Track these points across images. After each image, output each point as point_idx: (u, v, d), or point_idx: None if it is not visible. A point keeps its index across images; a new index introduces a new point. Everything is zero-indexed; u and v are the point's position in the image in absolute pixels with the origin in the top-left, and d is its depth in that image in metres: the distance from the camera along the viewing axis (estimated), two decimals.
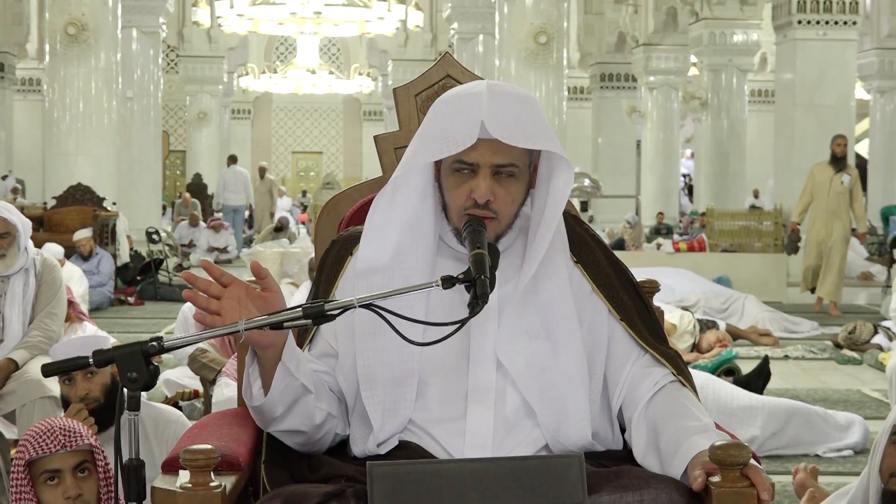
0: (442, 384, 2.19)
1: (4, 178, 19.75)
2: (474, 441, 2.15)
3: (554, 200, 2.20)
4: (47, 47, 13.85)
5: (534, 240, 2.21)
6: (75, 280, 9.64)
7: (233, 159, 21.09)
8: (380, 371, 2.19)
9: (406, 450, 2.18)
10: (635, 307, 2.31)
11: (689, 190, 25.23)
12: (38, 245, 5.12)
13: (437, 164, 2.25)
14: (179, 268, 16.06)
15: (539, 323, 2.22)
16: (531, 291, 2.23)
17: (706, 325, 8.56)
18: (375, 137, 2.71)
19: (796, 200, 14.75)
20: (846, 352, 8.94)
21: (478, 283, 1.99)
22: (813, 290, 11.92)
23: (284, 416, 2.16)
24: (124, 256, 13.14)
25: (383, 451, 2.19)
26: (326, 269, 2.35)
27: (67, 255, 10.63)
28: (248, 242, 19.68)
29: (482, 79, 2.36)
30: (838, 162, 11.54)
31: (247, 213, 21.86)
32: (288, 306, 2.05)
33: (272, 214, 20.74)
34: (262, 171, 21.88)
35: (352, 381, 2.24)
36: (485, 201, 2.16)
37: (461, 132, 2.13)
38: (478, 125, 2.13)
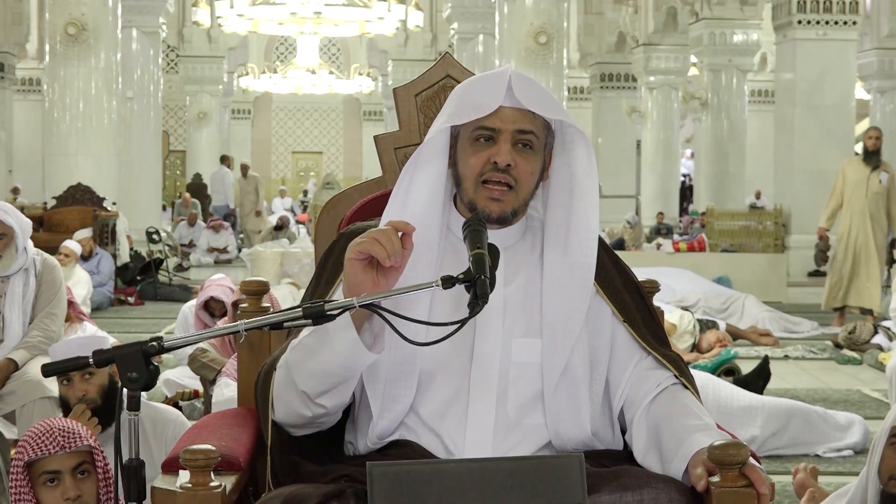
0: (445, 381, 2.20)
1: None
2: (475, 438, 2.16)
3: (582, 170, 2.24)
4: (47, 47, 13.84)
5: (571, 211, 2.23)
6: (82, 284, 9.65)
7: (222, 160, 20.96)
8: (381, 366, 2.19)
9: (406, 448, 2.18)
10: (638, 309, 2.32)
11: (689, 190, 25.19)
12: (38, 245, 5.11)
13: (453, 153, 2.26)
14: (179, 268, 16.07)
15: (543, 321, 2.22)
16: (536, 289, 2.23)
17: (706, 325, 8.56)
18: (375, 137, 2.71)
19: (796, 200, 14.84)
20: (846, 352, 8.94)
21: (478, 283, 1.98)
22: (842, 309, 10.52)
23: (346, 389, 2.15)
24: (124, 256, 13.14)
25: (382, 444, 2.21)
26: (332, 261, 2.35)
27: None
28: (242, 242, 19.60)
29: None
30: (872, 157, 10.23)
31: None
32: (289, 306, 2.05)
33: (258, 212, 20.54)
34: (245, 170, 21.44)
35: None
36: (506, 165, 2.19)
37: (487, 98, 2.21)
38: (503, 90, 2.20)
